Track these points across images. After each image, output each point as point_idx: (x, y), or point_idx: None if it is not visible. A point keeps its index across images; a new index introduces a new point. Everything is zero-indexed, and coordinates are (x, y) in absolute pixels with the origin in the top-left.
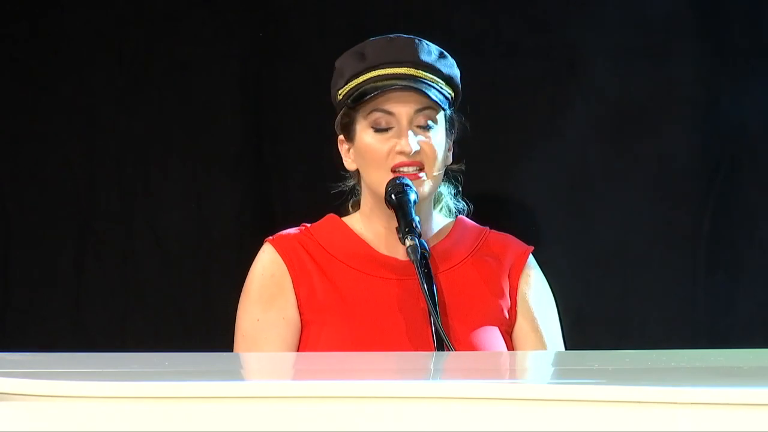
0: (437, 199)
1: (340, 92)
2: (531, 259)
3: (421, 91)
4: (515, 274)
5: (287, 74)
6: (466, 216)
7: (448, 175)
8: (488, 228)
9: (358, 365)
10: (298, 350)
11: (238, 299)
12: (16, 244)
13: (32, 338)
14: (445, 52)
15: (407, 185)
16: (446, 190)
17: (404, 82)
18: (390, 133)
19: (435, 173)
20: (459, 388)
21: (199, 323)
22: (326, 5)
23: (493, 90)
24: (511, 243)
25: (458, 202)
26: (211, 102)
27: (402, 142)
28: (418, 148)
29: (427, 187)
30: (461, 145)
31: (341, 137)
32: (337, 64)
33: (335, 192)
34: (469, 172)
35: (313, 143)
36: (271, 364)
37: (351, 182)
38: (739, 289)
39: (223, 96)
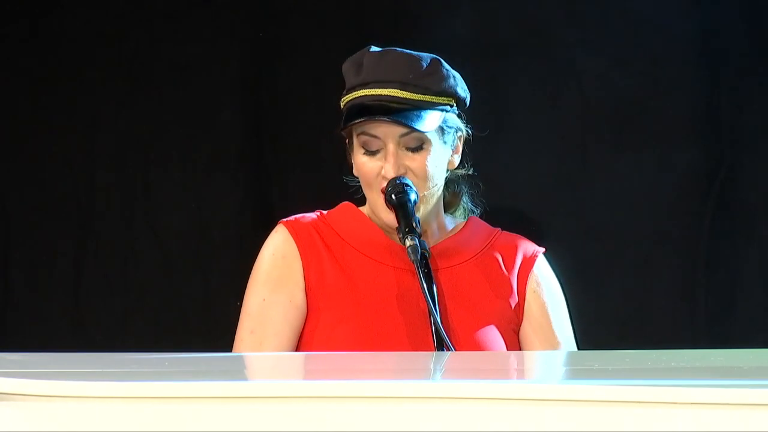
0: (452, 201)
1: (341, 100)
2: (541, 260)
3: (404, 123)
4: (524, 273)
5: (287, 74)
6: (480, 216)
7: (466, 180)
8: (500, 229)
9: (358, 365)
10: (303, 336)
11: (239, 299)
12: (16, 244)
13: (32, 338)
14: (440, 61)
15: (407, 185)
16: (462, 190)
17: (391, 105)
18: (379, 155)
19: (425, 191)
20: (459, 388)
21: (199, 323)
22: (326, 5)
23: (493, 90)
24: (521, 244)
25: (475, 206)
26: (211, 102)
27: (386, 167)
28: (402, 172)
29: (418, 202)
30: (463, 145)
31: (347, 140)
32: (343, 68)
33: (348, 187)
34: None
35: (313, 143)
36: (272, 364)
37: None
38: (739, 289)
39: (223, 96)
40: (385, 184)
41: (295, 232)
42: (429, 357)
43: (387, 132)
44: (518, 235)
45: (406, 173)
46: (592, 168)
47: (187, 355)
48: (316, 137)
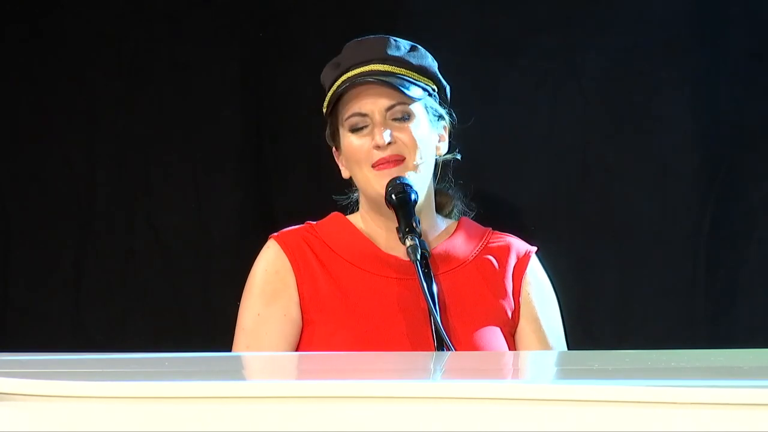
0: (446, 204)
1: (324, 105)
2: (534, 259)
3: (389, 84)
4: (518, 275)
5: (287, 74)
6: (471, 217)
7: (456, 182)
8: (491, 229)
9: (358, 365)
10: (299, 349)
11: (239, 299)
12: (16, 244)
13: (32, 338)
14: (417, 46)
15: (407, 185)
16: (456, 194)
17: (372, 78)
18: (366, 131)
19: (416, 162)
20: (459, 388)
21: (199, 323)
22: (326, 5)
23: (493, 90)
24: (514, 243)
25: (466, 206)
26: (211, 102)
27: (377, 136)
28: (391, 140)
29: (412, 175)
30: (463, 144)
31: (333, 148)
32: (321, 78)
33: (341, 199)
34: (469, 171)
35: (313, 143)
36: (271, 364)
37: (356, 193)
38: (739, 289)
39: (223, 96)
40: (376, 156)
41: (286, 246)
42: (429, 357)
43: (372, 106)
44: (509, 234)
45: (395, 141)
46: (592, 168)
47: (187, 355)
48: (316, 137)
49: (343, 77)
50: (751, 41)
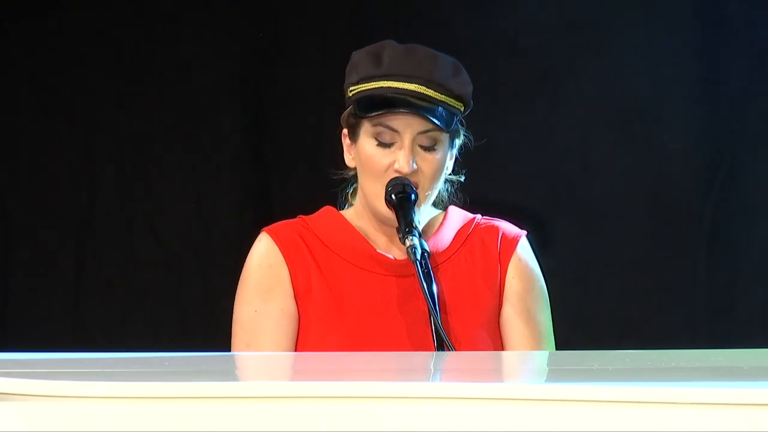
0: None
1: (351, 90)
2: (522, 243)
3: (428, 118)
4: (504, 259)
5: (287, 74)
6: (455, 205)
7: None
8: (479, 215)
9: (357, 365)
10: (296, 345)
11: None
12: (16, 244)
13: (32, 338)
14: (460, 66)
15: (407, 184)
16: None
17: (414, 100)
18: (391, 148)
19: (429, 192)
20: (459, 389)
21: (199, 323)
22: (326, 5)
23: (493, 90)
24: (502, 227)
25: (447, 191)
26: (211, 102)
27: (401, 161)
28: (415, 168)
29: (420, 202)
30: (463, 145)
31: (345, 132)
32: (354, 57)
33: (336, 179)
34: (468, 172)
35: (313, 142)
36: (271, 364)
37: (351, 172)
38: (739, 289)
39: (223, 96)
40: (394, 176)
41: (279, 239)
42: (429, 357)
43: (406, 126)
44: (498, 220)
45: (416, 170)
46: (592, 167)
47: (187, 355)
48: (316, 137)
49: (383, 83)
50: (752, 40)
